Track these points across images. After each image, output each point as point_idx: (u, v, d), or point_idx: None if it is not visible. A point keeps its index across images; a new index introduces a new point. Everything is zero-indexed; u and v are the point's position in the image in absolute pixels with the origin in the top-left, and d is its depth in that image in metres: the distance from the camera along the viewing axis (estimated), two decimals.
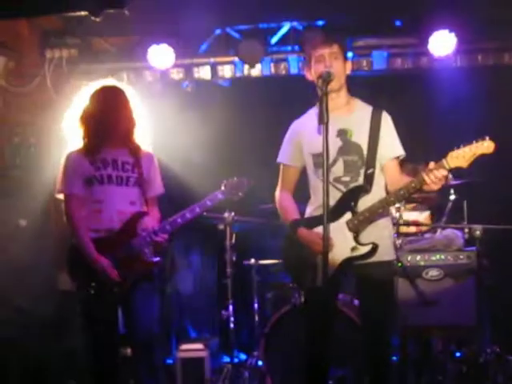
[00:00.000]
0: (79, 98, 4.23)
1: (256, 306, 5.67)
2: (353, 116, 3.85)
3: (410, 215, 5.49)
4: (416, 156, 4.37)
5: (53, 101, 6.00)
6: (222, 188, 4.24)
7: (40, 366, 5.43)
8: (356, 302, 4.84)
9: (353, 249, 3.71)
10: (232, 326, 5.46)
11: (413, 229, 5.51)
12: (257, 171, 4.68)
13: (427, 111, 6.41)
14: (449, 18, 5.65)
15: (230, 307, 5.45)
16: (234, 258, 5.45)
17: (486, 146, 3.47)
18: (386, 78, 6.23)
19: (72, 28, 6.07)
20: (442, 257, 5.16)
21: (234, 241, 5.43)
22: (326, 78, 3.57)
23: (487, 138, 3.47)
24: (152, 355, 4.11)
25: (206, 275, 6.82)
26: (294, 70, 6.09)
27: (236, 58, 6.03)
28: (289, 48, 6.07)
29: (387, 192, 3.83)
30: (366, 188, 3.75)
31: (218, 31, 6.13)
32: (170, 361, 5.89)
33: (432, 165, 3.53)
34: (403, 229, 5.45)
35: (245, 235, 5.77)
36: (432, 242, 5.30)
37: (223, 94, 6.51)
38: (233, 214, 5.39)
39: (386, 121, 3.85)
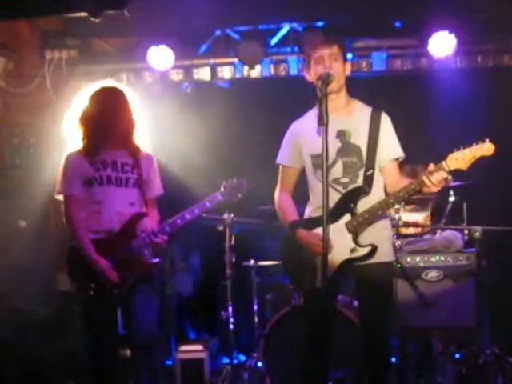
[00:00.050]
0: (79, 98, 4.23)
1: (255, 307, 5.67)
2: (352, 117, 3.85)
3: (409, 216, 5.49)
4: (415, 157, 4.37)
5: (52, 102, 6.00)
6: (222, 189, 4.25)
7: (38, 367, 5.42)
8: (355, 303, 4.83)
9: (352, 250, 3.71)
10: (231, 327, 5.45)
11: (412, 230, 5.52)
12: (256, 172, 4.68)
13: (427, 112, 6.41)
14: (448, 19, 5.66)
15: (230, 308, 5.44)
16: (234, 260, 5.44)
17: (486, 149, 3.47)
18: (386, 79, 6.23)
19: (72, 29, 6.07)
20: (442, 258, 5.16)
21: (233, 242, 5.43)
22: (326, 79, 3.57)
23: (487, 140, 3.47)
24: (151, 357, 4.11)
25: (205, 276, 6.81)
26: (293, 71, 6.09)
27: (236, 59, 6.03)
28: (288, 49, 6.07)
29: (386, 193, 3.83)
30: (365, 189, 3.75)
31: (217, 32, 6.13)
32: (169, 362, 5.88)
33: (432, 167, 3.53)
34: (403, 230, 5.46)
35: (244, 236, 5.77)
36: (431, 243, 5.30)
37: (223, 95, 6.51)
38: (232, 215, 5.38)
39: (386, 122, 3.85)
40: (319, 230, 3.48)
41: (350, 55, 5.72)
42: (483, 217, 5.36)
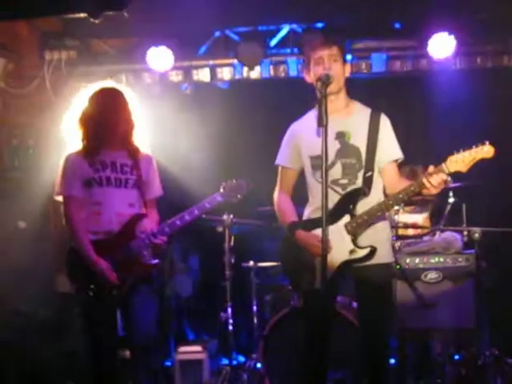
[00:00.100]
0: (78, 99, 4.23)
1: (255, 308, 5.67)
2: (351, 118, 3.85)
3: (408, 218, 5.49)
4: (415, 159, 4.37)
5: (52, 102, 6.00)
6: (221, 190, 4.25)
7: (38, 368, 5.42)
8: (354, 304, 4.83)
9: (351, 251, 3.70)
10: (231, 328, 5.45)
11: (411, 231, 5.52)
12: (255, 173, 4.68)
13: (426, 113, 6.42)
14: (448, 20, 5.66)
15: (229, 309, 5.44)
16: (233, 261, 5.44)
17: (486, 151, 3.47)
18: (385, 81, 6.23)
19: (71, 30, 6.07)
20: (441, 259, 5.16)
21: (232, 243, 5.43)
22: (325, 81, 3.57)
23: (487, 142, 3.47)
24: (151, 358, 4.11)
25: (204, 277, 6.81)
26: (293, 73, 6.09)
27: (235, 61, 6.04)
28: (288, 50, 6.07)
29: (385, 195, 3.83)
30: (364, 191, 3.75)
31: (217, 33, 6.13)
32: (168, 363, 5.87)
33: (431, 169, 3.53)
34: (402, 231, 5.45)
35: (243, 237, 5.76)
36: (431, 244, 5.30)
37: (222, 96, 6.50)
38: (231, 216, 5.38)
39: (385, 123, 3.85)
40: (318, 231, 3.47)
41: (349, 56, 5.72)
42: (482, 218, 5.37)
